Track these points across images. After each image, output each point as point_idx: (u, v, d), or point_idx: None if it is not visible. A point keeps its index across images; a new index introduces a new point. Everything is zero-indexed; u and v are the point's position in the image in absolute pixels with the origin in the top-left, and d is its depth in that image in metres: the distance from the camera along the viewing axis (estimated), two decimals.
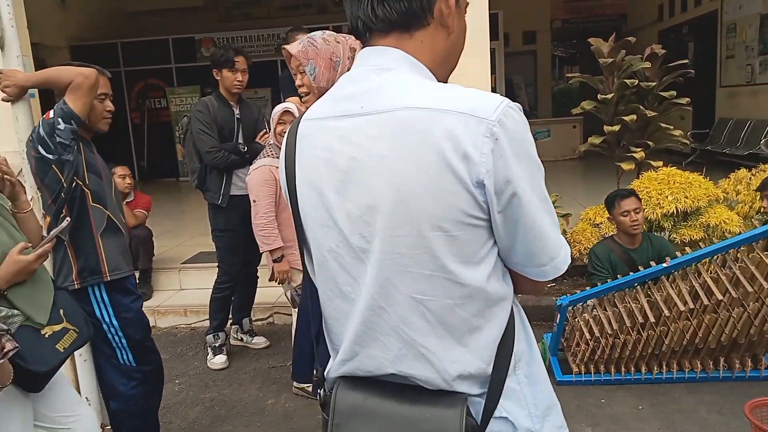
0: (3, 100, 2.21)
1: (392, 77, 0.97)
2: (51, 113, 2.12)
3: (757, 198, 4.10)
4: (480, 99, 0.90)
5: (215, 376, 3.57)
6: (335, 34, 2.01)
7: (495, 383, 0.97)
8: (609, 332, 3.04)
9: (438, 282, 0.92)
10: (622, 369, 3.12)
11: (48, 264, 2.25)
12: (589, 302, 3.22)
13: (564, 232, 4.36)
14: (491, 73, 4.99)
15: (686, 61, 4.97)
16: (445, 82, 1.05)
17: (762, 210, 4.00)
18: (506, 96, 0.93)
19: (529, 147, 0.91)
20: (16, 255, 1.65)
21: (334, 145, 0.98)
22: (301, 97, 2.21)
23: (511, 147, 0.87)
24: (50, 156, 2.12)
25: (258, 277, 3.95)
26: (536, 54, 12.90)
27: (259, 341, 3.94)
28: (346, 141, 0.96)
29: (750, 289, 2.76)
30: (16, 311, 1.66)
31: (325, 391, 1.10)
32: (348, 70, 1.92)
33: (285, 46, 2.00)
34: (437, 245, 0.90)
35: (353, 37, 1.99)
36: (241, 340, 3.96)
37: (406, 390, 0.99)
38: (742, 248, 2.88)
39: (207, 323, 3.87)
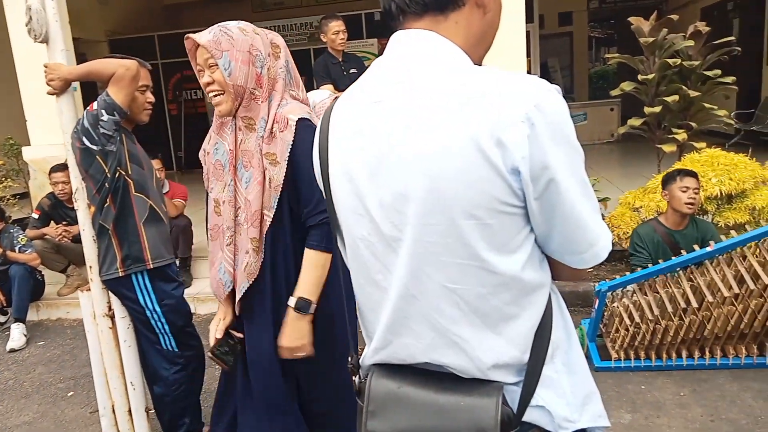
0: (48, 93, 2.27)
1: (425, 62, 0.95)
2: (94, 105, 2.18)
3: None
4: (516, 82, 0.87)
5: None
6: (252, 25, 1.76)
7: (531, 372, 0.95)
8: (650, 318, 2.98)
9: (471, 270, 0.91)
10: (663, 355, 3.06)
11: (93, 253, 2.33)
12: (629, 287, 3.16)
13: (602, 218, 4.27)
14: (526, 56, 4.91)
15: (732, 38, 4.77)
16: (480, 62, 1.02)
17: None
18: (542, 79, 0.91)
19: (568, 131, 0.88)
20: None
21: (366, 131, 0.97)
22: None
23: (548, 132, 0.85)
24: (94, 147, 2.18)
25: None
26: (572, 35, 12.59)
27: None
28: (378, 128, 0.95)
29: None
30: None
31: (360, 378, 1.11)
32: (272, 68, 1.77)
33: (191, 35, 1.66)
34: (470, 233, 0.89)
35: (275, 33, 1.80)
36: None
37: (440, 378, 0.98)
38: None
39: None
